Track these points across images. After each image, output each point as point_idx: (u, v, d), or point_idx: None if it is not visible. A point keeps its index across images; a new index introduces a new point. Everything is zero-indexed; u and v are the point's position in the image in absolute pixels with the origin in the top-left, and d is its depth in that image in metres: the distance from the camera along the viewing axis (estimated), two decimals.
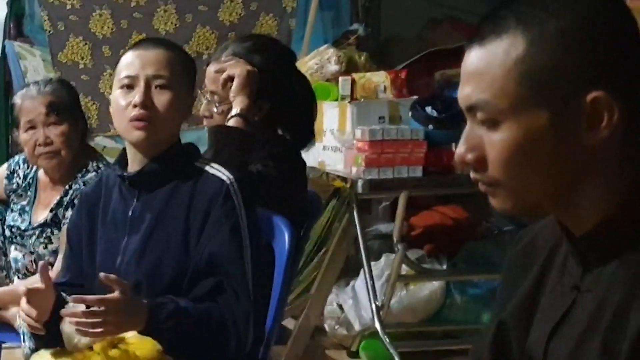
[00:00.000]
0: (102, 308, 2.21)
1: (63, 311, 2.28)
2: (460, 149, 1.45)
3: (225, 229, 2.41)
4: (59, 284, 2.67)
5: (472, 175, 1.47)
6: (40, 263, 3.21)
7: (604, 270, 1.41)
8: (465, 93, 1.43)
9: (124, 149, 2.57)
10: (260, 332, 2.54)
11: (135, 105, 2.45)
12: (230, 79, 2.86)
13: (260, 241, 2.54)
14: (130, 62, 2.51)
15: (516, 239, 1.70)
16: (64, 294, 2.43)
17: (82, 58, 5.43)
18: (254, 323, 2.42)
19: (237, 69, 2.86)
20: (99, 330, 2.24)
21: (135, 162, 2.52)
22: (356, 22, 5.72)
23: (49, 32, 5.38)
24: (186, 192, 2.48)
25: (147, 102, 2.45)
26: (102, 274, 2.26)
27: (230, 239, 2.41)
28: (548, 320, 1.50)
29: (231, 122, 2.83)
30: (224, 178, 2.47)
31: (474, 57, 1.42)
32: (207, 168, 2.51)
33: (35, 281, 3.25)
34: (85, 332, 2.26)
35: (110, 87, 2.70)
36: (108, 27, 5.40)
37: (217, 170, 2.49)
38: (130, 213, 2.52)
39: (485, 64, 1.40)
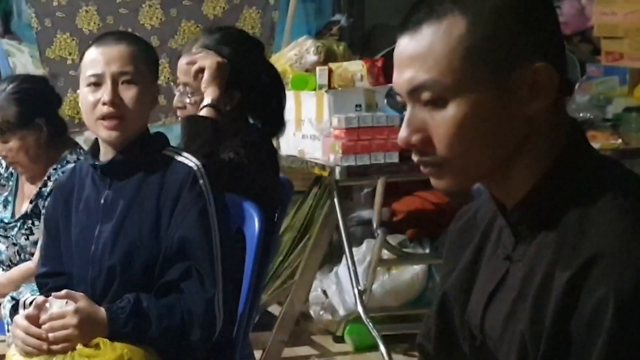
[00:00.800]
0: (73, 320, 2.40)
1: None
2: (403, 133, 1.49)
3: (193, 213, 2.48)
4: (38, 275, 2.75)
5: (416, 158, 1.51)
6: (26, 273, 3.32)
7: (534, 240, 1.48)
8: (407, 77, 1.47)
9: (96, 139, 2.63)
10: (232, 316, 2.60)
11: (104, 103, 2.51)
12: (201, 70, 2.93)
13: (229, 226, 2.61)
14: (94, 59, 2.55)
15: (458, 216, 1.77)
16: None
17: (70, 54, 5.46)
18: (223, 307, 2.49)
19: (208, 61, 2.93)
20: (65, 344, 2.39)
21: (106, 152, 2.59)
22: (338, 12, 5.79)
23: (36, 28, 5.41)
24: (156, 180, 2.55)
25: (115, 100, 2.51)
26: (53, 296, 2.44)
27: (198, 224, 2.48)
28: (485, 290, 1.58)
29: (203, 112, 2.89)
30: (191, 165, 2.54)
31: (413, 42, 1.47)
32: (175, 156, 2.58)
33: (19, 276, 3.37)
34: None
35: None
36: (94, 23, 5.44)
37: (185, 158, 2.57)
38: (102, 201, 2.59)
39: (427, 46, 1.44)
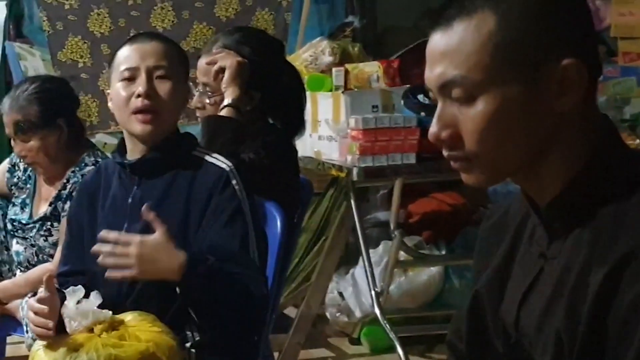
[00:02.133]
0: (134, 250, 2.29)
1: (95, 248, 2.36)
2: (433, 128, 1.50)
3: (226, 214, 2.46)
4: (59, 274, 2.73)
5: (446, 153, 1.51)
6: (44, 274, 3.29)
7: (568, 237, 1.47)
8: (438, 72, 1.47)
9: (122, 138, 2.64)
10: None
11: (139, 96, 2.51)
12: (222, 70, 2.93)
13: (262, 226, 2.61)
14: (128, 55, 2.57)
15: (488, 214, 1.76)
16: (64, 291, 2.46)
17: (82, 57, 5.47)
18: None
19: (228, 61, 2.92)
20: (130, 270, 2.31)
21: (135, 151, 2.59)
22: (351, 14, 5.79)
23: (48, 32, 5.42)
24: (186, 181, 2.54)
25: (150, 92, 2.52)
26: (144, 209, 2.33)
27: (232, 224, 2.46)
28: (518, 288, 1.57)
29: (223, 112, 2.90)
30: (224, 166, 2.53)
31: (444, 38, 1.47)
32: (207, 157, 2.58)
33: (37, 277, 3.35)
34: (116, 271, 2.32)
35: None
36: (106, 26, 5.45)
37: (217, 159, 2.56)
38: (130, 199, 2.58)
39: (457, 42, 1.45)
